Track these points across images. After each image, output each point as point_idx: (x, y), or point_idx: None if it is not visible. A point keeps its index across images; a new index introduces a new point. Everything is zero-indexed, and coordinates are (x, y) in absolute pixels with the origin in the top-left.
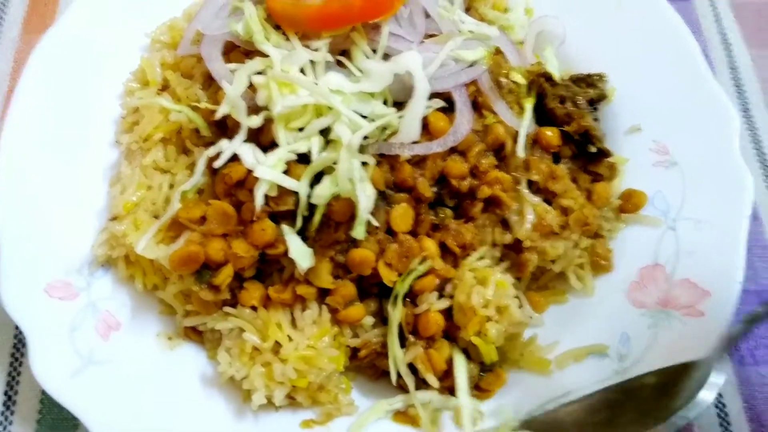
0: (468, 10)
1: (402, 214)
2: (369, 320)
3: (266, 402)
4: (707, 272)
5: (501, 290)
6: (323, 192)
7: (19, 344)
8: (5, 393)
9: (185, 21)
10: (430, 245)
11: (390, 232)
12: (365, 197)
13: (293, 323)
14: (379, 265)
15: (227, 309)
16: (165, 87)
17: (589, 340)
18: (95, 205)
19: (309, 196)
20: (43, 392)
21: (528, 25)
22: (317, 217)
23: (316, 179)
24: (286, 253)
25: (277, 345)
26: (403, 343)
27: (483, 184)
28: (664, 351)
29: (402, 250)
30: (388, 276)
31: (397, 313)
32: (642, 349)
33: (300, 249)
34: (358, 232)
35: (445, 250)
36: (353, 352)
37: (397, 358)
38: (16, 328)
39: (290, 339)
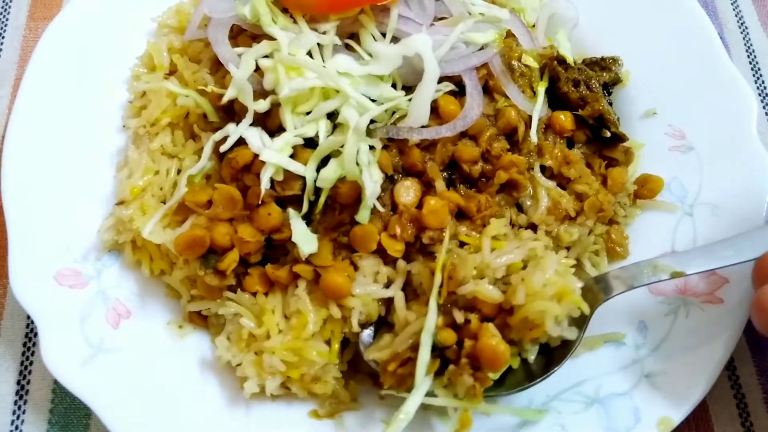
0: None
1: (407, 188)
2: (355, 302)
3: (259, 391)
4: None
5: (563, 271)
6: (329, 175)
7: (31, 333)
8: (18, 382)
9: (192, 5)
10: (436, 203)
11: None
12: (371, 182)
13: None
14: (382, 238)
15: (227, 294)
16: (172, 71)
17: (605, 328)
18: (103, 191)
19: (315, 181)
20: (56, 381)
21: (540, 7)
22: (322, 200)
23: (323, 164)
24: (291, 237)
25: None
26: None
27: (498, 168)
28: (682, 339)
29: (403, 220)
30: (392, 246)
31: (433, 305)
32: (660, 338)
33: (304, 233)
34: (363, 216)
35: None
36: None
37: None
38: (28, 317)
39: (279, 329)
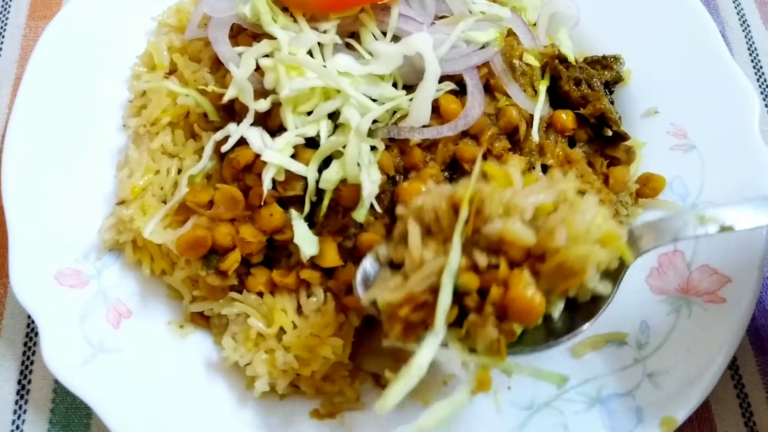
0: None
1: (409, 187)
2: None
3: (269, 390)
4: (728, 258)
5: (605, 214)
6: (331, 177)
7: (32, 333)
8: (19, 382)
9: (192, 4)
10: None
11: None
12: (369, 182)
13: (299, 310)
14: None
15: (233, 294)
16: (172, 71)
17: (607, 327)
18: (103, 190)
19: (317, 181)
20: (57, 381)
21: (541, 6)
22: (325, 203)
23: (325, 164)
24: (293, 238)
25: (282, 332)
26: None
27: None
28: (685, 338)
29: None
30: None
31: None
32: (662, 337)
33: (305, 235)
34: (360, 215)
35: None
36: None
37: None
38: (29, 317)
39: (295, 326)
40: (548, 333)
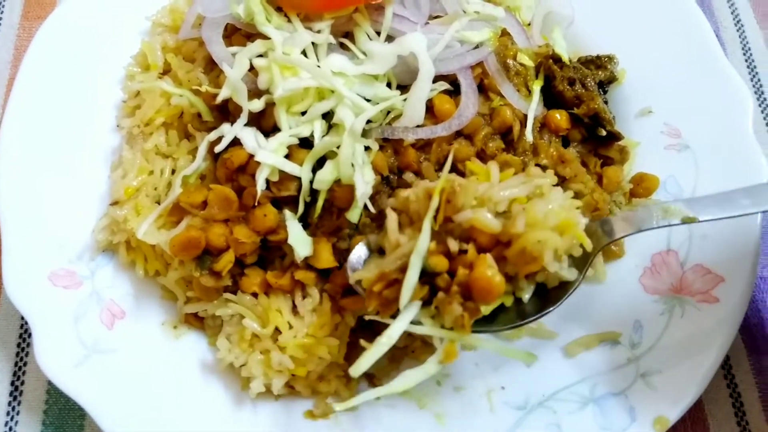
0: None
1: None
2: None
3: (265, 390)
4: (721, 257)
5: (568, 205)
6: (325, 177)
7: (25, 334)
8: (12, 383)
9: (186, 4)
10: None
11: None
12: (363, 183)
13: (294, 310)
14: None
15: (227, 295)
16: (166, 71)
17: (600, 327)
18: (97, 191)
19: (311, 182)
20: (50, 382)
21: (535, 5)
22: (319, 203)
23: (319, 164)
24: (287, 239)
25: (277, 332)
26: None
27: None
28: (678, 338)
29: None
30: None
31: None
32: (655, 336)
33: (299, 236)
34: (353, 215)
35: None
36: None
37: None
38: (23, 318)
39: (290, 326)
40: (519, 315)
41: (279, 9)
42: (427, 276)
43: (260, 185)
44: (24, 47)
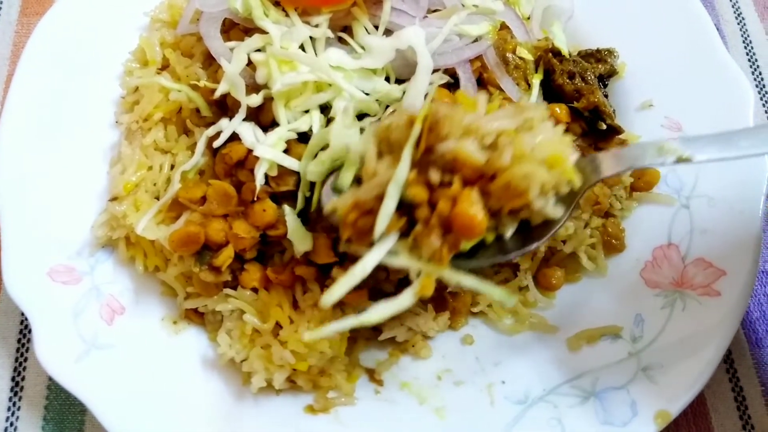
0: None
1: None
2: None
3: (266, 385)
4: (722, 251)
5: (558, 139)
6: (318, 168)
7: (25, 330)
8: (12, 379)
9: None
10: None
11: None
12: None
13: (295, 305)
14: None
15: (227, 291)
16: (165, 66)
17: (602, 321)
18: (96, 186)
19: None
20: (50, 378)
21: None
22: (315, 197)
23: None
24: (287, 234)
25: (278, 327)
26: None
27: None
28: (679, 332)
29: None
30: (397, 274)
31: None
32: (657, 331)
33: (299, 231)
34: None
35: None
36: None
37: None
38: (22, 313)
39: (291, 321)
40: (500, 252)
41: (277, 3)
42: (405, 208)
43: (259, 180)
44: (22, 43)
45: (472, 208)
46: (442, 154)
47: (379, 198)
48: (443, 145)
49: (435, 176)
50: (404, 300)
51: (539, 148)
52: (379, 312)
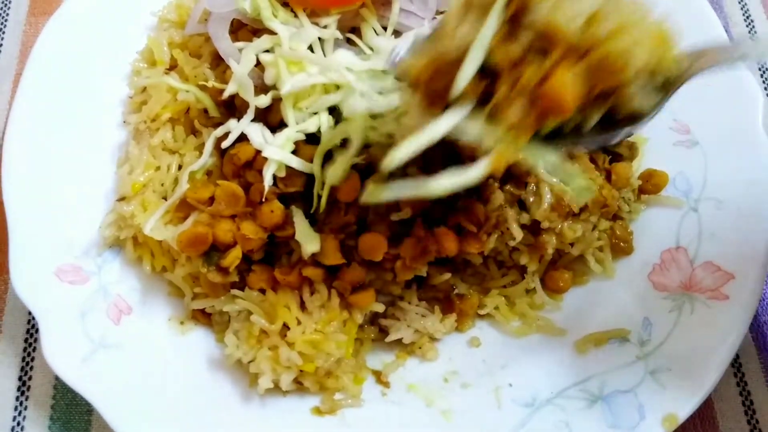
0: None
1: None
2: (380, 307)
3: (273, 386)
4: (731, 255)
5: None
6: (336, 171)
7: (32, 329)
8: (19, 378)
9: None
10: (451, 244)
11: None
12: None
13: (302, 306)
14: (396, 266)
15: (235, 291)
16: (173, 66)
17: (609, 324)
18: (103, 186)
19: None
20: (57, 377)
21: None
22: (324, 198)
23: (325, 159)
24: (294, 235)
25: (285, 328)
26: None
27: None
28: (687, 335)
29: (417, 248)
30: (404, 276)
31: None
32: (665, 334)
33: (307, 232)
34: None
35: (461, 232)
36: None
37: None
38: (30, 313)
39: (299, 322)
40: (577, 142)
41: (285, 4)
42: (487, 74)
43: (267, 181)
44: (31, 43)
45: (568, 82)
46: (533, 21)
47: (457, 62)
48: (536, 10)
49: (526, 38)
50: (473, 173)
51: (642, 23)
52: (444, 183)
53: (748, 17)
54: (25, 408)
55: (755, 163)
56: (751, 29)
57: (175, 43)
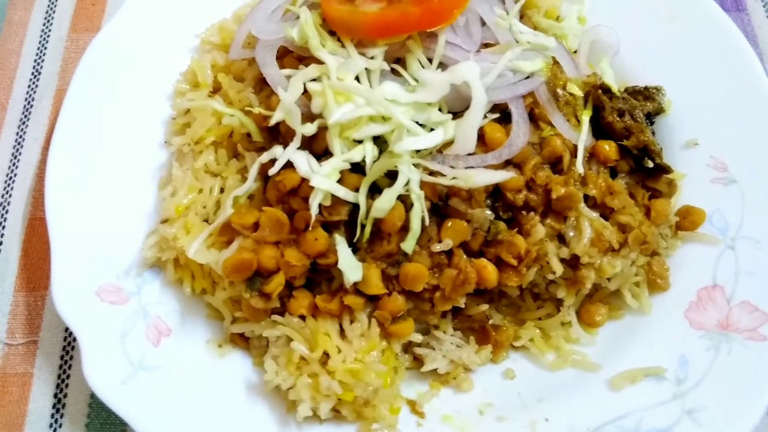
0: (521, 18)
1: (454, 228)
2: (418, 337)
3: (312, 414)
4: None
5: None
6: (383, 205)
7: (68, 347)
8: (55, 395)
9: (235, 23)
10: (491, 277)
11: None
12: (420, 208)
13: (342, 334)
14: (435, 297)
15: (275, 317)
16: (216, 89)
17: (645, 360)
18: (144, 206)
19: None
20: (92, 395)
21: (581, 34)
22: (368, 228)
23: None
24: (337, 263)
25: (325, 356)
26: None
27: (550, 186)
28: (724, 375)
29: (458, 279)
30: (442, 307)
31: None
32: (702, 373)
33: (350, 261)
34: (409, 245)
35: (501, 264)
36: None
37: None
38: (65, 330)
39: (339, 350)
40: None
41: (332, 33)
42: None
43: (314, 210)
44: (71, 59)
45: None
46: None
47: None
48: None
49: None
50: None
51: None
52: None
53: None
54: (60, 426)
55: None
56: None
57: (218, 66)
